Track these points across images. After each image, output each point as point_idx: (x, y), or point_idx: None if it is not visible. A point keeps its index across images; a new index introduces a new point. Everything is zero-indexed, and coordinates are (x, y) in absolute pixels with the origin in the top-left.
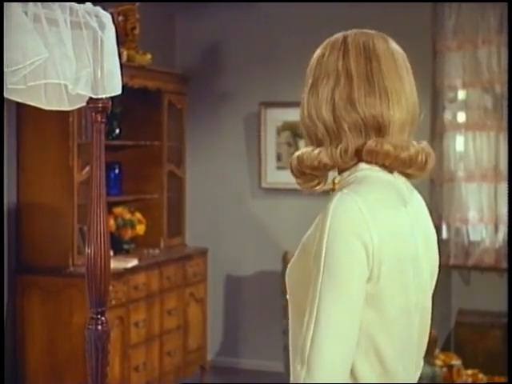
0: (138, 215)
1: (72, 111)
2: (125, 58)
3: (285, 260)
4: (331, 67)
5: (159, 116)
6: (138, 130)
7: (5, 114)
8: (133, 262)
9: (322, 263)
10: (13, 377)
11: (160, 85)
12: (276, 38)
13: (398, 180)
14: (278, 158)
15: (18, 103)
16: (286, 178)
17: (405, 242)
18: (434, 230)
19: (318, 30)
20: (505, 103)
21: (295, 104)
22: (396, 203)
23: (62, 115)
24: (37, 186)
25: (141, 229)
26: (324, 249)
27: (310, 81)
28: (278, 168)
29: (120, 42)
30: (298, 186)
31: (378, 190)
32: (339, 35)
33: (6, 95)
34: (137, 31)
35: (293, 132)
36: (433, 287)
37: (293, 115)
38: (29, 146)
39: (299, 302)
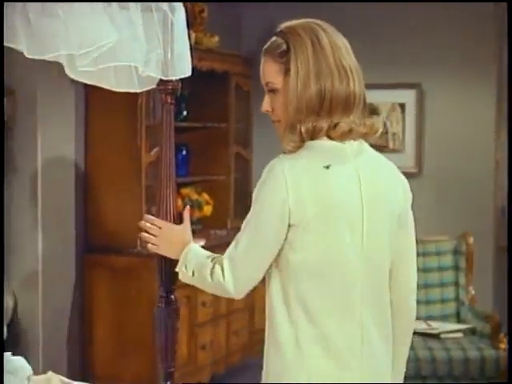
0: (206, 196)
1: (140, 93)
2: (193, 40)
3: None
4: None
5: (226, 98)
6: (205, 112)
7: (73, 96)
8: (200, 243)
9: (254, 206)
10: (81, 355)
11: (227, 67)
12: (338, 22)
13: (347, 145)
14: None
15: (85, 85)
16: None
17: (341, 194)
18: (394, 184)
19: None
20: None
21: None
22: (332, 162)
23: (130, 97)
24: (105, 167)
25: (208, 210)
26: (255, 198)
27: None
28: None
29: (188, 25)
30: None
31: (313, 155)
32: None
33: (75, 77)
34: (205, 14)
35: None
36: (402, 233)
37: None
38: (97, 128)
39: None
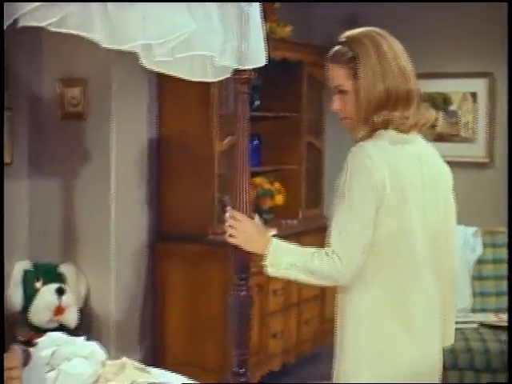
0: (277, 185)
1: (213, 83)
2: (266, 30)
3: None
4: None
5: (299, 88)
6: (278, 102)
7: (146, 85)
8: (271, 232)
9: (346, 191)
10: (153, 341)
11: (300, 57)
12: (416, 11)
13: (406, 135)
14: None
15: (158, 74)
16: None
17: (408, 174)
18: (442, 168)
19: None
20: None
21: (431, 75)
22: (398, 147)
23: (203, 87)
24: (178, 156)
25: (279, 199)
26: (347, 182)
27: None
28: None
29: (263, 16)
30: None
31: (384, 141)
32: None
33: (150, 67)
34: (277, 4)
35: (432, 103)
36: (448, 214)
37: (430, 86)
38: (170, 117)
39: None
